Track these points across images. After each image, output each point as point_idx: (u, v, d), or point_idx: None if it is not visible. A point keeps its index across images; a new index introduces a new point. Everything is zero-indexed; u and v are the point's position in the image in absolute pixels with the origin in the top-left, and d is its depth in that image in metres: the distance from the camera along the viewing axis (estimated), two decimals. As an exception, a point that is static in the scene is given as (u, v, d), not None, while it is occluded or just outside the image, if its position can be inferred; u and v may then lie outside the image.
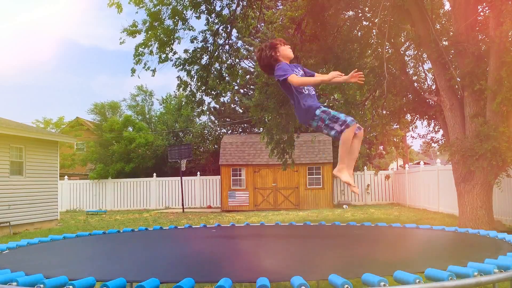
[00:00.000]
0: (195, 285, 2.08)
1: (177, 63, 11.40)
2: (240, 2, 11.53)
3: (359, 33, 11.41)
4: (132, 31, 10.43)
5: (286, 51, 3.23)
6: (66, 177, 22.55)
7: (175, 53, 11.17)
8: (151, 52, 10.75)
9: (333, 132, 3.04)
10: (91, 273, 2.33)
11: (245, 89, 25.77)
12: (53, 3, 62.16)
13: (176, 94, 15.22)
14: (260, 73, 12.71)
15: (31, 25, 62.24)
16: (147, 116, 29.03)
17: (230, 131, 26.73)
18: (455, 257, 2.76)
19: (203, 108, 13.34)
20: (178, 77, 11.73)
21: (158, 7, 10.46)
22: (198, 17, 11.12)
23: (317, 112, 3.10)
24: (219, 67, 12.00)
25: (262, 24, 13.26)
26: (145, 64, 10.84)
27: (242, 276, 2.33)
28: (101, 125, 26.19)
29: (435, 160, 18.11)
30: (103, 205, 22.05)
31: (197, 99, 12.06)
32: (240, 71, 19.90)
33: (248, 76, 24.00)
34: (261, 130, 18.89)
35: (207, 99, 34.85)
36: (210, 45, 11.67)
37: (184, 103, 12.32)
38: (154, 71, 11.00)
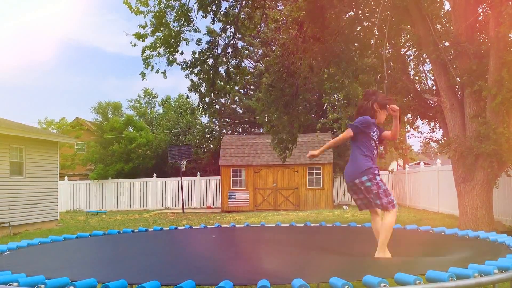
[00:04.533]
0: (196, 287, 2.09)
1: (184, 66, 11.46)
2: (245, 2, 11.55)
3: (360, 33, 11.41)
4: (140, 35, 10.44)
5: (381, 116, 3.41)
6: (66, 177, 22.55)
7: (182, 53, 11.21)
8: (158, 54, 10.76)
9: (378, 202, 3.22)
10: (92, 274, 2.33)
11: (245, 89, 25.79)
12: (55, 3, 62.20)
13: (188, 96, 15.34)
14: (261, 72, 12.74)
15: (33, 25, 62.27)
16: (148, 117, 29.14)
17: (230, 131, 26.73)
18: (456, 260, 2.76)
19: (215, 108, 13.49)
20: (187, 76, 11.76)
21: (162, 5, 10.45)
22: (205, 16, 11.14)
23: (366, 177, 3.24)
24: (225, 67, 12.08)
25: (263, 24, 13.27)
26: (152, 67, 10.84)
27: (242, 278, 2.34)
28: (102, 125, 26.22)
29: (435, 160, 18.12)
30: (103, 205, 22.06)
31: (207, 100, 12.17)
32: (250, 69, 20.01)
33: (248, 76, 23.99)
34: (261, 130, 18.88)
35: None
36: (215, 46, 11.75)
37: (196, 105, 12.38)
38: (164, 73, 11.00)
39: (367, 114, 3.34)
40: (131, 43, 10.57)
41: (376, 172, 3.23)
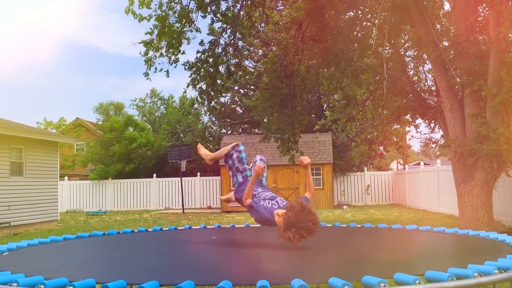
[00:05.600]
0: (195, 287, 2.08)
1: (187, 66, 11.57)
2: (244, 2, 11.58)
3: (360, 34, 11.41)
4: (147, 42, 10.52)
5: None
6: (66, 177, 22.55)
7: (183, 53, 11.29)
8: (161, 55, 10.84)
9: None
10: (91, 275, 2.33)
11: (245, 89, 25.78)
12: (56, 3, 62.24)
13: (185, 90, 15.40)
14: (261, 72, 12.83)
15: (33, 25, 62.32)
16: (151, 117, 29.15)
17: (230, 131, 26.74)
18: (456, 260, 2.76)
19: (215, 106, 13.64)
20: (193, 79, 11.88)
21: (163, 8, 10.49)
22: (204, 17, 11.20)
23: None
24: (226, 65, 12.14)
25: (263, 24, 13.29)
26: (156, 69, 10.93)
27: (242, 279, 2.34)
28: (102, 125, 26.23)
29: (435, 160, 18.11)
30: (103, 205, 22.06)
31: (206, 98, 12.29)
32: (250, 69, 20.09)
33: (247, 76, 24.00)
34: (259, 131, 18.88)
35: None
36: (217, 46, 11.81)
37: (196, 97, 12.42)
38: (167, 72, 11.13)
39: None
40: (140, 53, 10.68)
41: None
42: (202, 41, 11.69)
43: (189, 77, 11.90)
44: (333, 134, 19.59)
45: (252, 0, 11.58)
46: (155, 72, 11.01)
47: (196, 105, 25.76)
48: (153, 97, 30.45)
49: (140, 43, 10.59)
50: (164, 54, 10.88)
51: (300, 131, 12.48)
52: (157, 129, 27.09)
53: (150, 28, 10.57)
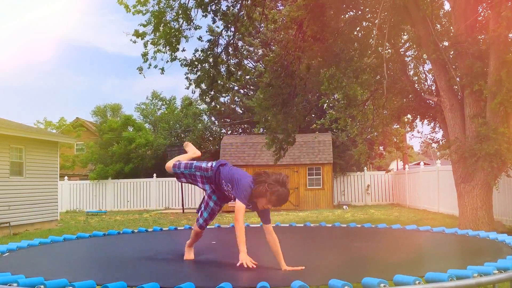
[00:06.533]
0: (195, 289, 2.08)
1: (184, 64, 11.50)
2: (245, 2, 11.56)
3: (360, 33, 11.41)
4: (139, 33, 10.46)
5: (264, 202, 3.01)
6: (66, 177, 22.54)
7: (183, 50, 11.25)
8: (158, 51, 10.77)
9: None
10: (91, 276, 2.33)
11: (245, 89, 25.78)
12: (56, 3, 62.23)
13: (190, 100, 15.34)
14: (261, 72, 12.83)
15: (33, 25, 62.31)
16: (152, 118, 29.16)
17: (230, 131, 26.73)
18: (455, 261, 2.76)
19: (217, 105, 13.62)
20: (187, 76, 11.81)
21: (161, 5, 10.45)
22: (205, 16, 11.17)
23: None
24: (226, 65, 12.12)
25: (262, 24, 13.30)
26: (150, 65, 10.87)
27: (242, 281, 2.33)
28: (101, 126, 26.27)
29: (435, 160, 18.11)
30: (103, 205, 22.05)
31: (207, 99, 12.27)
32: (251, 68, 20.10)
33: (248, 76, 24.00)
34: (261, 130, 18.97)
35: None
36: (216, 46, 11.79)
37: (198, 95, 12.32)
38: (162, 69, 11.05)
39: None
40: (131, 40, 10.58)
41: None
42: (200, 37, 11.61)
43: (191, 74, 11.85)
44: (333, 134, 19.59)
45: (253, 0, 11.56)
46: (149, 68, 10.89)
47: (200, 106, 25.82)
48: (154, 98, 30.54)
49: (133, 34, 10.52)
50: (163, 50, 10.82)
51: (296, 132, 12.43)
52: (157, 129, 27.12)
53: (145, 21, 10.50)
